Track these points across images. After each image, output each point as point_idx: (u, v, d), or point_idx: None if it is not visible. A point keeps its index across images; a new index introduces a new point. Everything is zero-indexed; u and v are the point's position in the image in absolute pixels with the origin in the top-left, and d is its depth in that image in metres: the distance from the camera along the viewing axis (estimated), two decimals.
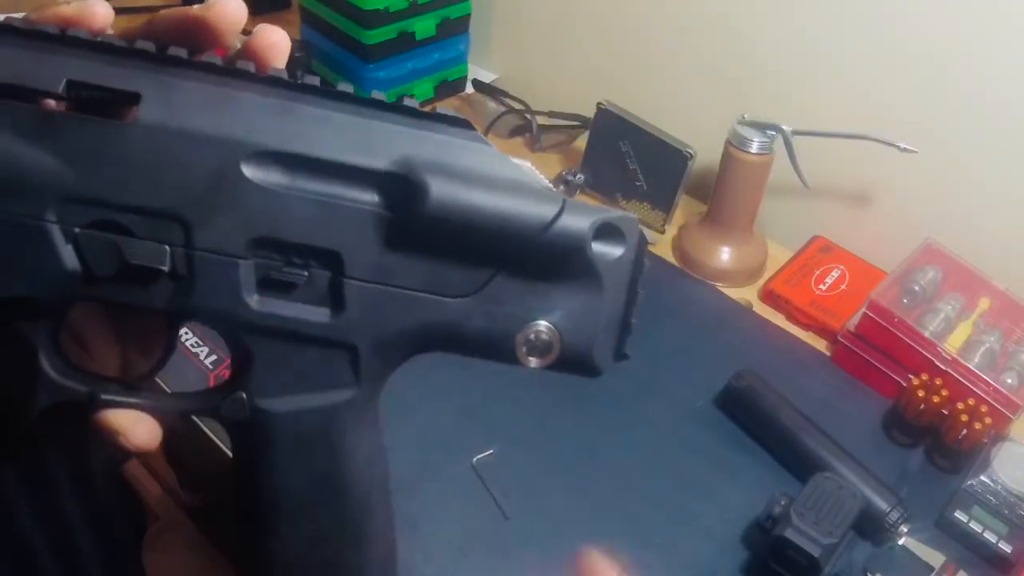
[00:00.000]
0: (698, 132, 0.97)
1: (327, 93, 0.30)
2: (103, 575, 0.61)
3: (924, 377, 0.78)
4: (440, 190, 0.29)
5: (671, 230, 1.02)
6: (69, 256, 0.29)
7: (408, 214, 0.29)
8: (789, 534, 0.62)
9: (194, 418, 0.68)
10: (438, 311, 0.31)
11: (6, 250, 0.28)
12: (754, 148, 0.89)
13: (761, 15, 0.96)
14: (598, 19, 1.13)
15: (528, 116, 1.14)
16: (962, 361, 0.79)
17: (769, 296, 0.94)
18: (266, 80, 0.30)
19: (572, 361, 0.32)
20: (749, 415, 0.78)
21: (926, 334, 0.81)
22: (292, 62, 1.09)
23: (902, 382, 0.81)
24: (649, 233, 1.02)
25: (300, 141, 0.29)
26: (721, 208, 0.95)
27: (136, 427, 0.31)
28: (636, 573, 0.69)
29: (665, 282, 0.95)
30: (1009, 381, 0.79)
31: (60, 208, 0.28)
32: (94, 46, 0.29)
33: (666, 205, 1.00)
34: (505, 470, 0.72)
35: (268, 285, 0.30)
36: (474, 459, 0.72)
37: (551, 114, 1.14)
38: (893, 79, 0.89)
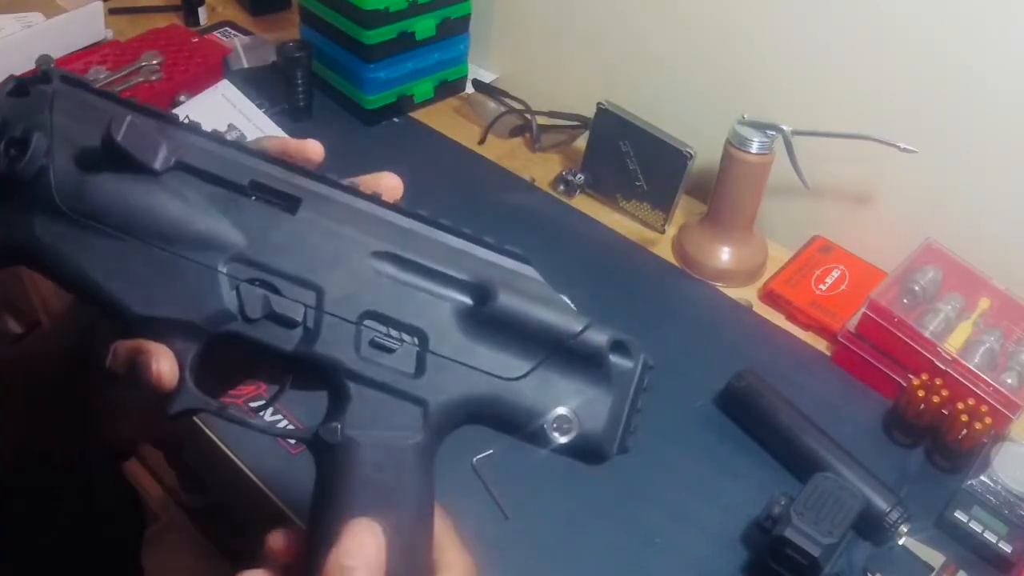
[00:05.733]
0: (698, 132, 0.97)
1: (433, 221, 0.42)
2: (103, 575, 0.61)
3: (924, 377, 0.78)
4: (505, 298, 0.40)
5: (671, 230, 1.02)
6: (230, 299, 0.39)
7: (480, 312, 0.41)
8: (789, 534, 0.62)
9: (196, 419, 0.69)
10: (493, 387, 0.41)
11: (186, 285, 0.39)
12: (754, 148, 0.89)
13: (761, 15, 0.96)
14: (598, 19, 1.13)
15: (528, 116, 1.14)
16: (962, 361, 0.79)
17: (769, 296, 0.94)
18: (391, 206, 0.42)
19: (584, 445, 0.41)
20: (749, 415, 0.78)
21: (926, 334, 0.81)
22: (293, 63, 1.10)
23: (902, 382, 0.81)
24: (649, 233, 1.02)
25: (411, 250, 0.41)
26: (721, 208, 0.95)
27: (162, 359, 0.38)
28: (636, 573, 0.69)
29: (665, 282, 0.95)
30: (1009, 381, 0.79)
31: (231, 264, 0.39)
32: (273, 160, 0.41)
33: (666, 205, 1.00)
34: (505, 470, 0.72)
35: (371, 346, 0.40)
36: (474, 459, 0.72)
37: (551, 114, 1.14)
38: (893, 79, 0.89)
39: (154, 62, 1.16)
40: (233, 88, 1.09)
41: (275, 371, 0.43)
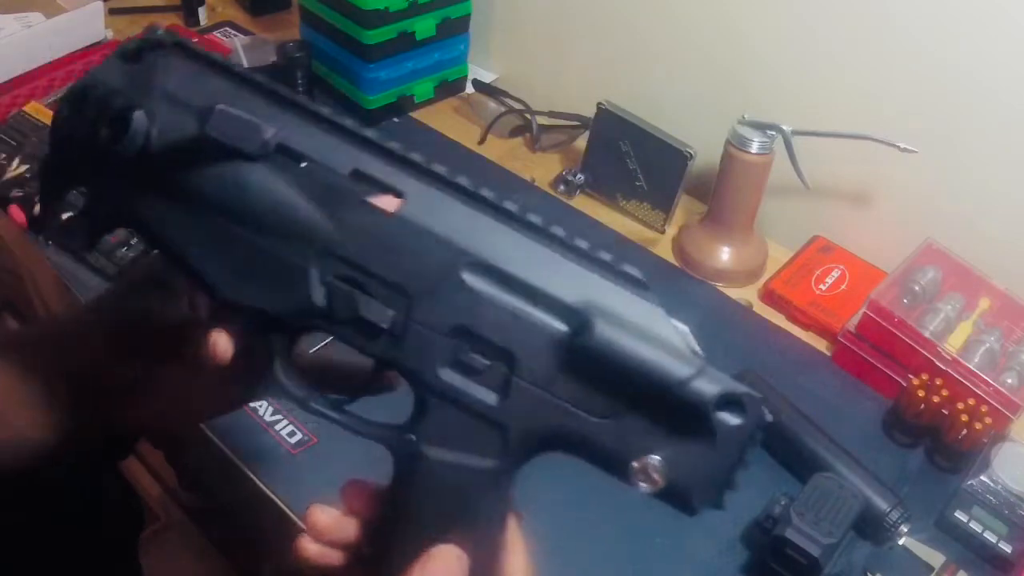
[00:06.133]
0: (698, 132, 0.97)
1: (542, 231, 0.38)
2: (103, 575, 0.61)
3: (924, 377, 0.78)
4: (604, 331, 0.36)
5: (671, 230, 1.02)
6: (319, 296, 0.38)
7: (576, 342, 0.36)
8: (789, 534, 0.62)
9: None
10: (579, 423, 0.37)
11: (277, 278, 0.38)
12: (754, 148, 0.89)
13: (761, 15, 0.96)
14: (598, 19, 1.13)
15: (528, 116, 1.14)
16: (962, 361, 0.79)
17: (769, 296, 0.94)
18: (501, 210, 0.38)
19: (673, 496, 0.38)
20: None
21: (926, 334, 0.81)
22: (293, 63, 1.10)
23: (902, 382, 0.81)
24: (649, 233, 1.02)
25: (511, 263, 0.37)
26: (721, 208, 0.95)
27: (219, 340, 0.39)
28: (637, 573, 0.69)
29: (665, 282, 0.95)
30: (1009, 381, 0.79)
31: (322, 259, 0.37)
32: (379, 147, 0.38)
33: (666, 205, 1.00)
34: None
35: (456, 363, 0.37)
36: None
37: (551, 114, 1.14)
38: (893, 79, 0.89)
39: None
40: None
41: (356, 374, 0.42)
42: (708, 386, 0.36)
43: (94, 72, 0.38)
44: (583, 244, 0.38)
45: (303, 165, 0.38)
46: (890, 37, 0.88)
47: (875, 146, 0.85)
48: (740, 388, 0.36)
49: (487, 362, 0.37)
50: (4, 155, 0.98)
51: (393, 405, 0.40)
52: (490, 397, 0.37)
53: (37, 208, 0.38)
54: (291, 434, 0.74)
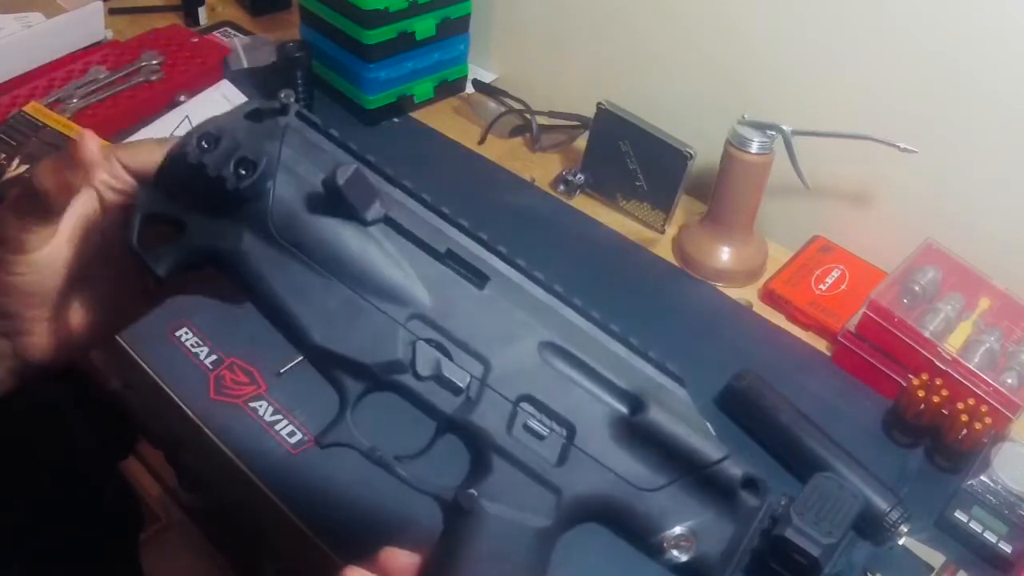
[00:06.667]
0: (698, 132, 0.97)
1: (603, 325, 0.45)
2: (103, 575, 0.61)
3: (924, 377, 0.78)
4: (657, 413, 0.42)
5: (671, 230, 1.02)
6: (405, 353, 0.41)
7: (630, 421, 0.43)
8: (789, 534, 0.62)
9: (196, 421, 0.69)
10: (625, 492, 0.42)
11: (368, 329, 0.41)
12: (754, 148, 0.89)
13: (761, 15, 0.96)
14: (598, 19, 1.13)
15: (528, 116, 1.14)
16: (962, 361, 0.79)
17: (769, 296, 0.94)
18: (571, 302, 0.44)
19: (698, 567, 0.43)
20: (749, 415, 0.78)
21: (926, 334, 0.81)
22: (293, 63, 1.10)
23: (902, 382, 0.81)
24: (649, 233, 1.02)
25: (578, 348, 0.43)
26: (721, 208, 0.95)
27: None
28: (637, 573, 0.68)
29: (665, 282, 0.95)
30: (1009, 381, 0.79)
31: (413, 320, 0.42)
32: (471, 234, 0.44)
33: (666, 205, 1.00)
34: None
35: (522, 428, 0.42)
36: None
37: (551, 114, 1.14)
38: (893, 79, 0.89)
39: (154, 62, 1.16)
40: (233, 88, 1.09)
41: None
42: (735, 468, 0.43)
43: (221, 120, 0.41)
44: (635, 341, 0.45)
45: (407, 238, 0.42)
46: (890, 37, 0.88)
47: (875, 146, 0.85)
48: (759, 474, 0.43)
49: (550, 430, 0.42)
50: (4, 155, 0.98)
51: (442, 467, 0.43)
52: (550, 460, 0.42)
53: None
54: (291, 434, 0.74)
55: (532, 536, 0.41)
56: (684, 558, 0.42)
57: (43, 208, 0.42)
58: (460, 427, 0.42)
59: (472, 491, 0.41)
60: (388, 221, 0.42)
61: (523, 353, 0.42)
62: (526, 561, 0.41)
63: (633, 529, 0.43)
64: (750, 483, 0.43)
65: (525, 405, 0.42)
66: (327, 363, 0.42)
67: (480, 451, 0.42)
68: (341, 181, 0.39)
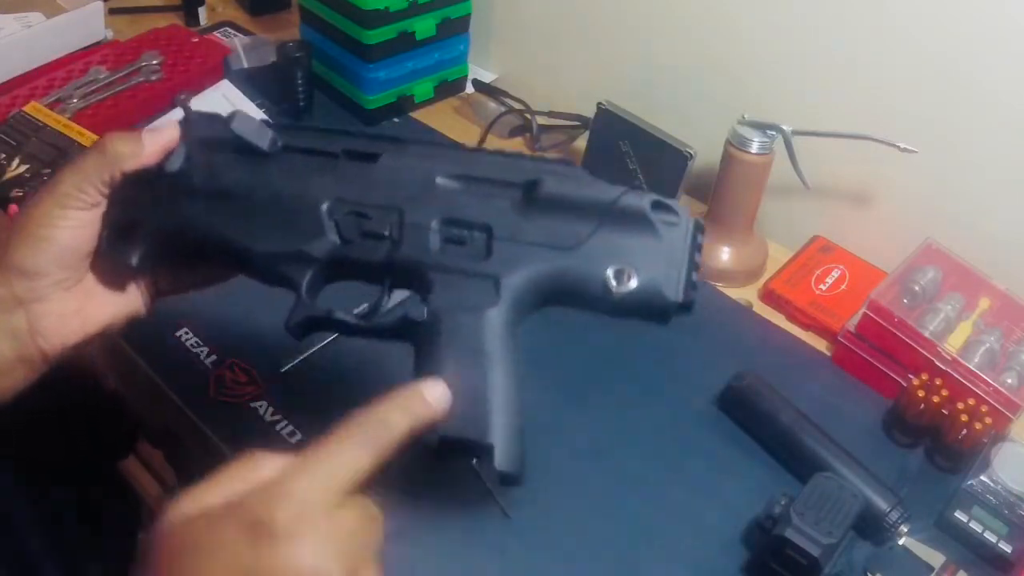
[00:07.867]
0: (698, 132, 0.97)
1: (483, 150, 0.54)
2: (102, 575, 0.61)
3: (924, 377, 0.78)
4: (550, 184, 0.50)
5: None
6: (331, 231, 0.50)
7: (531, 198, 0.50)
8: (789, 534, 0.62)
9: (195, 418, 0.69)
10: (552, 259, 0.49)
11: (297, 226, 0.50)
12: (754, 148, 0.89)
13: (762, 15, 0.96)
14: (598, 19, 1.13)
15: (528, 116, 1.14)
16: (962, 361, 0.79)
17: (769, 296, 0.94)
18: (453, 143, 0.53)
19: (647, 292, 0.48)
20: (749, 415, 0.78)
21: (926, 334, 0.81)
22: (292, 63, 1.10)
23: (902, 382, 0.81)
24: None
25: (472, 168, 0.51)
26: (721, 208, 0.95)
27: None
28: (636, 573, 0.69)
29: None
30: (1009, 381, 0.79)
31: (331, 204, 0.51)
32: (356, 135, 0.53)
33: None
34: None
35: (446, 242, 0.50)
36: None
37: (551, 114, 1.14)
38: (893, 79, 0.89)
39: (154, 62, 1.16)
40: (233, 88, 1.09)
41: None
42: (639, 199, 0.49)
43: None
44: (516, 151, 0.53)
45: (306, 153, 0.52)
46: (890, 37, 0.88)
47: (875, 146, 0.85)
48: (665, 198, 0.50)
49: (470, 235, 0.50)
50: (4, 155, 0.98)
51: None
52: (478, 258, 0.49)
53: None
54: (291, 434, 0.74)
55: (489, 321, 0.47)
56: (632, 285, 0.47)
57: (107, 168, 0.49)
58: (397, 267, 0.50)
59: (422, 305, 0.48)
60: (287, 148, 0.52)
61: (426, 189, 0.50)
62: (492, 345, 0.47)
63: (577, 289, 0.48)
64: (659, 205, 0.49)
65: (439, 226, 0.50)
66: (273, 265, 0.50)
67: (418, 277, 0.49)
68: (232, 124, 0.50)
